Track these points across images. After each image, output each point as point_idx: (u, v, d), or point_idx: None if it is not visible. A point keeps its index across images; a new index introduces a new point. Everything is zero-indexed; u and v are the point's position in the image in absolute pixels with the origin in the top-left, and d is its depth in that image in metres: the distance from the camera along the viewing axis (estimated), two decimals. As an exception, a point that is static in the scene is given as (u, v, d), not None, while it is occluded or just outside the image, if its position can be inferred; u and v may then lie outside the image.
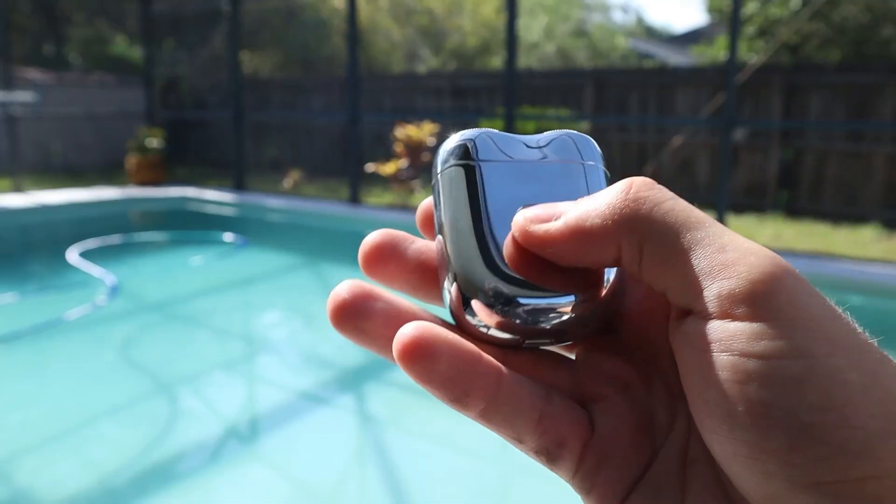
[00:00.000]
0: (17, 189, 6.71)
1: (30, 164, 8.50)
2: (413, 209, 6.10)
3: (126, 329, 3.29)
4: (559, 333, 0.23)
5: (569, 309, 0.22)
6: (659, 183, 0.22)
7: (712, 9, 10.93)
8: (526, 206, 0.23)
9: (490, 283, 0.22)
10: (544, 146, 0.25)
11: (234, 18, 6.90)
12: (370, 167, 6.45)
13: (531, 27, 13.73)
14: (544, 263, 0.22)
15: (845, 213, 6.24)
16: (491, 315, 0.22)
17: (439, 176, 0.24)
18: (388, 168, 6.30)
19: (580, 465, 0.22)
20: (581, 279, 0.22)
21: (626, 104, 7.40)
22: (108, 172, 8.61)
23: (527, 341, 0.23)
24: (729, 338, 0.18)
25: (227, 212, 6.62)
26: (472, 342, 0.23)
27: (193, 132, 10.39)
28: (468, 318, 0.23)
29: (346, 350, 3.12)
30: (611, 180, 0.24)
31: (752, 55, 8.34)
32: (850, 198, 6.31)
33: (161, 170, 7.65)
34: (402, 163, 6.31)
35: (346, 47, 6.41)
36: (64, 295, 3.75)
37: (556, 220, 0.22)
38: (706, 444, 0.20)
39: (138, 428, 2.24)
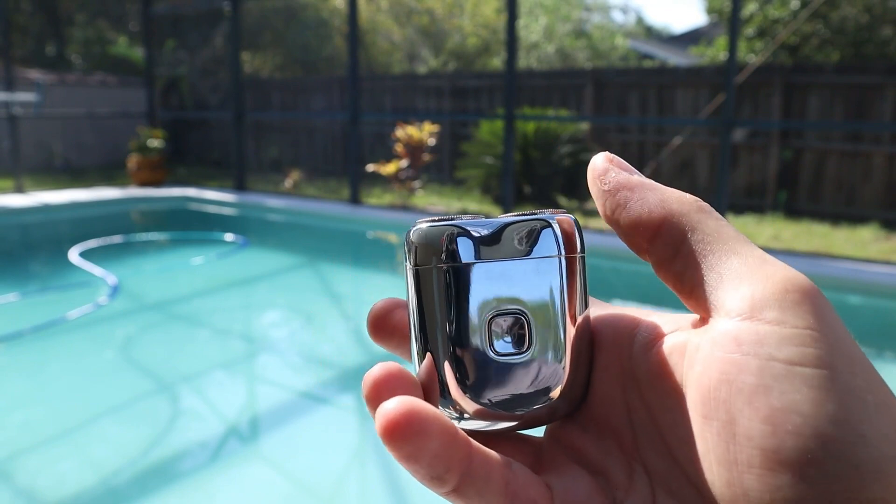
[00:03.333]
0: (19, 189, 6.72)
1: (31, 164, 8.51)
2: (413, 210, 6.11)
3: (127, 329, 3.31)
4: (528, 423, 0.24)
5: (539, 400, 0.24)
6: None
7: (712, 9, 10.93)
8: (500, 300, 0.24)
9: (460, 381, 0.23)
10: (521, 237, 0.24)
11: (234, 18, 6.91)
12: (370, 167, 6.46)
13: (531, 27, 13.73)
14: (514, 363, 0.23)
15: (844, 213, 6.25)
16: (459, 407, 0.23)
17: (412, 271, 0.24)
18: (389, 168, 6.30)
19: None
20: (553, 378, 0.23)
21: (626, 104, 7.41)
22: (109, 172, 8.62)
23: (493, 430, 0.24)
24: (757, 340, 0.19)
25: (228, 212, 6.63)
26: None
27: (194, 132, 10.40)
28: (438, 405, 0.24)
29: (347, 350, 3.13)
30: (585, 265, 0.25)
31: (752, 55, 8.35)
32: (849, 198, 6.31)
33: (162, 170, 7.66)
34: (403, 163, 6.32)
35: (347, 47, 6.42)
36: (65, 295, 3.76)
37: (632, 174, 0.24)
38: (712, 457, 0.19)
39: (139, 427, 2.25)
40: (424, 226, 0.24)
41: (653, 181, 0.23)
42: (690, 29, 17.30)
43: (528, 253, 0.24)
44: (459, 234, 0.23)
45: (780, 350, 0.18)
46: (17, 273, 4.53)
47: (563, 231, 0.24)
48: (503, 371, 0.23)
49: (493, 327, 0.23)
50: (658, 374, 0.22)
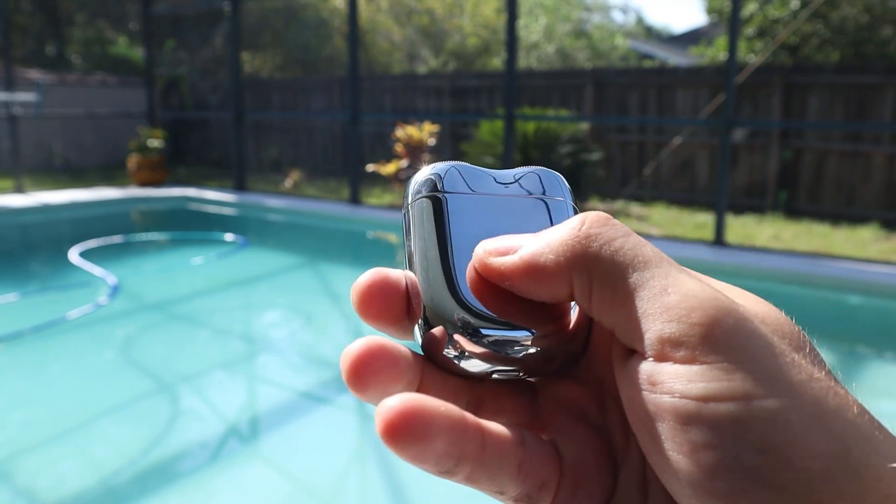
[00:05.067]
0: (19, 189, 6.72)
1: (31, 164, 8.51)
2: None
3: (127, 329, 3.31)
4: (528, 367, 0.23)
5: (537, 343, 0.23)
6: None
7: (712, 9, 10.93)
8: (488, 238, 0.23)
9: (459, 315, 0.22)
10: (513, 182, 0.25)
11: (234, 18, 6.91)
12: (370, 167, 6.46)
13: (531, 27, 13.73)
14: (511, 297, 0.23)
15: (844, 213, 6.25)
16: (460, 347, 0.23)
17: (409, 207, 0.24)
18: (389, 168, 6.30)
19: (556, 501, 0.22)
20: (548, 313, 0.23)
21: (626, 104, 7.41)
22: (109, 172, 8.62)
23: (494, 374, 0.23)
24: (669, 380, 0.19)
25: (228, 212, 6.63)
26: (440, 373, 0.23)
27: (194, 132, 10.40)
28: (438, 349, 0.23)
29: (346, 350, 3.13)
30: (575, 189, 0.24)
31: (752, 55, 8.35)
32: (849, 198, 6.32)
33: (162, 170, 7.66)
34: (403, 163, 6.32)
35: (347, 47, 6.42)
36: (65, 295, 3.76)
37: (512, 253, 0.22)
38: (657, 476, 0.20)
39: (139, 427, 2.25)
40: (427, 167, 0.25)
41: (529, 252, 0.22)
42: (690, 29, 17.30)
43: (536, 192, 0.25)
44: (462, 170, 0.24)
45: (692, 388, 0.18)
46: (17, 273, 4.53)
47: (555, 179, 0.25)
48: (503, 303, 0.23)
49: None
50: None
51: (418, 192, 0.24)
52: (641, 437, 0.20)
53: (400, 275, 0.24)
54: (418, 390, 0.23)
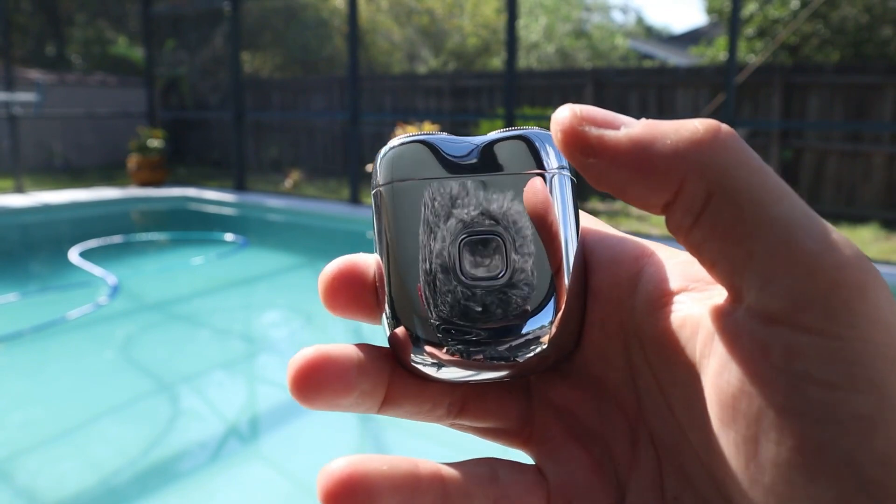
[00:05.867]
0: (19, 189, 6.72)
1: (31, 164, 8.51)
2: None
3: (127, 329, 3.31)
4: (514, 371, 0.20)
5: (524, 344, 0.20)
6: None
7: (712, 9, 10.93)
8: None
9: (429, 315, 0.20)
10: (496, 154, 0.21)
11: (234, 18, 6.91)
12: (370, 167, 6.45)
13: (531, 27, 13.73)
14: (497, 301, 0.20)
15: (844, 213, 6.25)
16: (432, 354, 0.20)
17: (381, 190, 0.21)
18: (389, 168, 6.31)
19: None
20: (537, 311, 0.20)
21: (626, 104, 7.41)
22: (109, 172, 8.62)
23: (476, 380, 0.21)
24: (790, 352, 0.15)
25: (228, 212, 6.63)
26: (413, 378, 0.21)
27: (194, 132, 10.40)
28: (405, 355, 0.21)
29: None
30: (578, 187, 0.21)
31: (752, 55, 8.35)
32: (849, 198, 6.32)
33: (162, 170, 7.66)
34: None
35: (347, 47, 6.42)
36: (65, 295, 3.76)
37: (616, 128, 0.17)
38: (731, 464, 0.16)
39: (139, 427, 2.25)
40: (395, 142, 0.21)
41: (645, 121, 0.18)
42: (690, 29, 17.30)
43: (507, 168, 0.21)
44: (427, 148, 0.21)
45: (820, 368, 0.14)
46: (17, 273, 4.53)
47: (546, 146, 0.21)
48: (480, 306, 0.20)
49: (464, 253, 0.20)
50: (666, 345, 0.18)
51: (388, 173, 0.21)
52: (725, 413, 0.16)
53: (371, 261, 0.22)
54: (388, 392, 0.21)
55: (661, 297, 0.19)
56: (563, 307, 0.20)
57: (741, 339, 0.16)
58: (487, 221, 0.20)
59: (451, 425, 0.23)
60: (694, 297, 0.18)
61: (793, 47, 8.64)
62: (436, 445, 2.18)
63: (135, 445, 2.10)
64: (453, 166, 0.21)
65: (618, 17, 28.25)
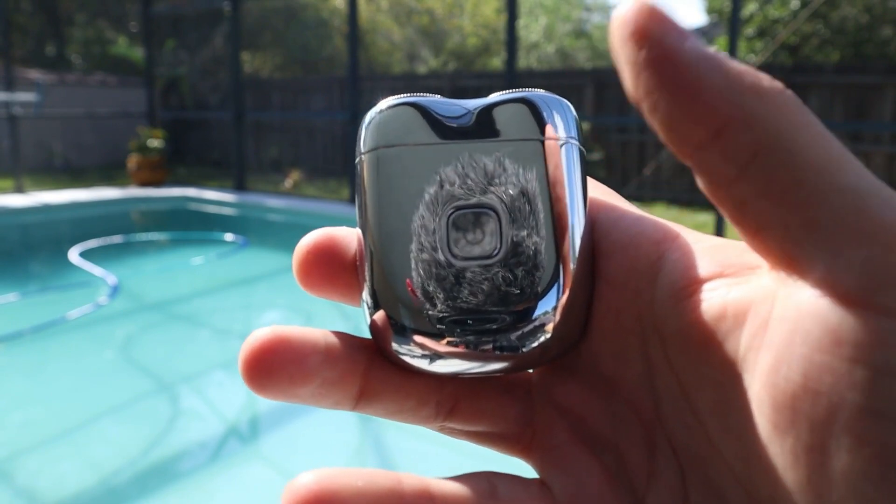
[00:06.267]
0: (19, 189, 6.73)
1: (31, 164, 8.51)
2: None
3: (127, 329, 3.31)
4: (512, 364, 0.18)
5: (523, 332, 0.18)
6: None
7: (712, 9, 10.94)
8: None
9: (420, 302, 0.18)
10: (495, 118, 0.19)
11: (234, 18, 6.91)
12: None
13: (531, 27, 13.74)
14: (491, 282, 0.18)
15: (845, 213, 6.26)
16: (421, 342, 0.18)
17: (363, 157, 0.19)
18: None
19: None
20: (538, 295, 0.18)
21: (626, 104, 7.41)
22: (109, 172, 8.62)
23: (468, 374, 0.19)
24: (871, 340, 0.12)
25: (228, 212, 6.63)
26: (399, 371, 0.19)
27: (194, 132, 10.40)
28: (385, 342, 0.18)
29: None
30: (586, 158, 0.19)
31: (752, 55, 8.35)
32: (849, 198, 6.33)
33: (162, 170, 7.67)
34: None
35: (347, 47, 6.42)
36: (65, 295, 3.76)
37: (685, 40, 0.14)
38: (784, 477, 0.14)
39: (139, 427, 2.25)
40: (382, 104, 0.19)
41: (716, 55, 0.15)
42: (690, 29, 17.29)
43: (505, 134, 0.18)
44: (417, 111, 0.19)
45: None
46: (17, 273, 4.53)
47: (553, 112, 0.18)
48: (471, 289, 0.18)
49: (454, 229, 0.18)
50: (694, 341, 0.16)
51: (376, 138, 0.19)
52: (781, 415, 0.14)
53: (351, 234, 0.20)
54: (364, 385, 0.19)
55: (689, 286, 0.16)
56: (567, 292, 0.18)
57: (805, 325, 0.13)
58: (480, 193, 0.18)
59: (442, 429, 0.20)
60: (731, 284, 0.15)
61: (793, 47, 8.65)
62: (444, 449, 2.17)
63: (135, 445, 2.10)
64: (446, 131, 0.18)
65: (618, 17, 28.22)
